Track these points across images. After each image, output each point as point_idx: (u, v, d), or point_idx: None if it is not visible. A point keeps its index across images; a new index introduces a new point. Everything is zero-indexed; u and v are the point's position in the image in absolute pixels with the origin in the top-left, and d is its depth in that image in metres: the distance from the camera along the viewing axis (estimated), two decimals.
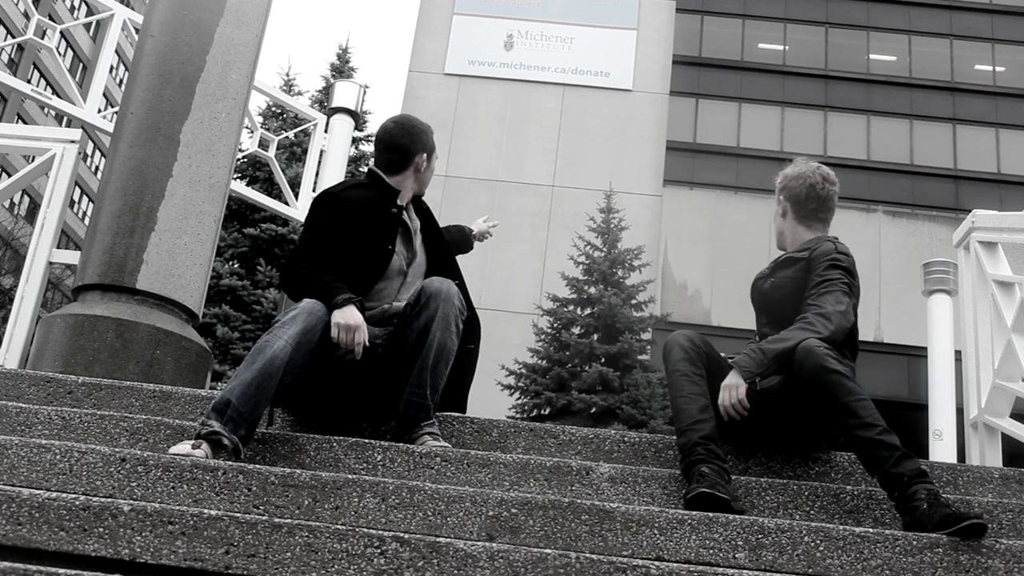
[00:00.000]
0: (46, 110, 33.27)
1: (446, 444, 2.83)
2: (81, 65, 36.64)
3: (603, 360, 17.70)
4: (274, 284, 15.65)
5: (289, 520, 2.00)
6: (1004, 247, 4.20)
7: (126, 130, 4.33)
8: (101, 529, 1.94)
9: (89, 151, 37.74)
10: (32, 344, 4.33)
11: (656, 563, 1.93)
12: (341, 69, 20.36)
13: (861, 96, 24.95)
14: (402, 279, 3.17)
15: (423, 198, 3.40)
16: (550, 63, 25.36)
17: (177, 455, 2.39)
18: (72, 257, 4.76)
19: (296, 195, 7.66)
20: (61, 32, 7.51)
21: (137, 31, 5.66)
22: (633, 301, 18.53)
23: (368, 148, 18.54)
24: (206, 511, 1.98)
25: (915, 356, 18.69)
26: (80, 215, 37.28)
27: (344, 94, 7.52)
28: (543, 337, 18.57)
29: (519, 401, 18.08)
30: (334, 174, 7.08)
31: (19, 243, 27.01)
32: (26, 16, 11.67)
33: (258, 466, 2.37)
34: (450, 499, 2.25)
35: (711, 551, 2.18)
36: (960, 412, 4.65)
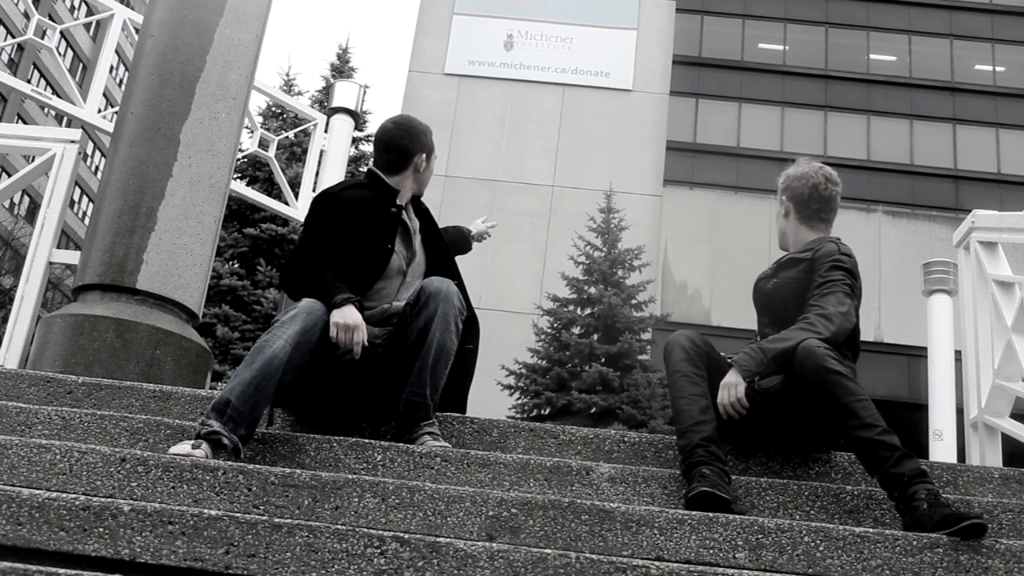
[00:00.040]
0: (46, 110, 33.28)
1: (446, 444, 2.83)
2: (81, 65, 36.64)
3: (603, 360, 17.70)
4: (274, 284, 15.65)
5: (289, 520, 2.00)
6: (1004, 247, 4.20)
7: (126, 130, 4.33)
8: (101, 529, 1.94)
9: (89, 151, 37.74)
10: (32, 344, 4.33)
11: (656, 563, 1.93)
12: (341, 69, 20.36)
13: (861, 96, 24.95)
14: (401, 279, 3.17)
15: (422, 199, 3.41)
16: (550, 63, 25.36)
17: (177, 455, 2.39)
18: (72, 257, 4.76)
19: (296, 195, 7.66)
20: (61, 32, 7.51)
21: (137, 31, 5.66)
22: (633, 301, 18.53)
23: (368, 148, 18.54)
24: (206, 511, 1.98)
25: (915, 356, 18.69)
26: (80, 215, 37.28)
27: (344, 94, 7.52)
28: (543, 337, 18.57)
29: (519, 401, 18.08)
30: (334, 174, 7.08)
31: (19, 243, 27.01)
32: (26, 16, 11.67)
33: (258, 466, 2.37)
34: (450, 499, 2.25)
35: (711, 551, 2.18)
36: (960, 412, 4.65)
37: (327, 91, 17.72)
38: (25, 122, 33.17)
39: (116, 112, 5.17)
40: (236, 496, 2.26)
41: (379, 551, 1.90)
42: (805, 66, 25.35)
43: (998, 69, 25.37)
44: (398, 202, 3.23)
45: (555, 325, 18.61)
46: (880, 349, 20.62)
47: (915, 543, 2.15)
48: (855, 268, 3.01)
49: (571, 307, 18.75)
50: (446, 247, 3.39)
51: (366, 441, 2.73)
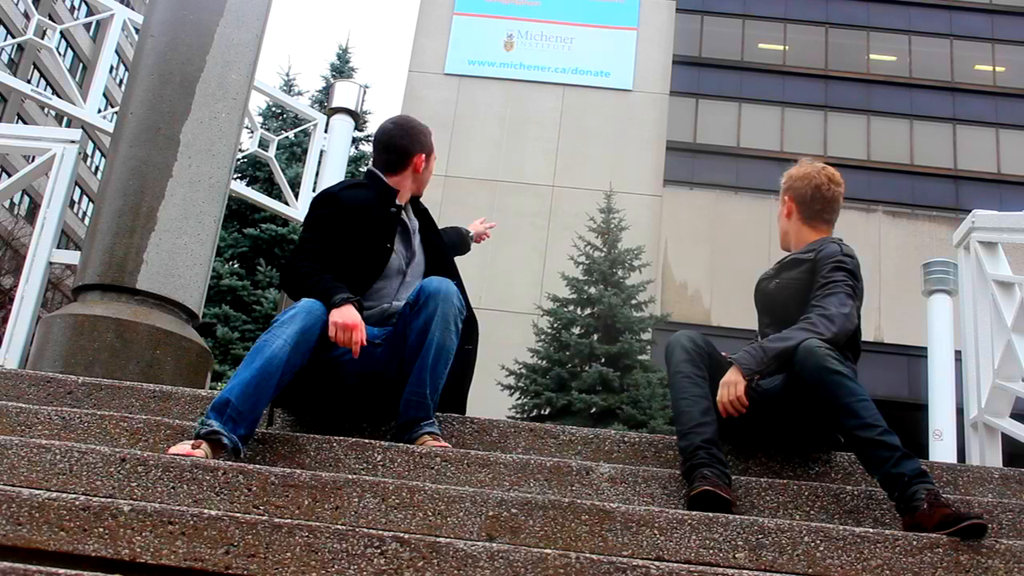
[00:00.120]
0: (46, 110, 33.28)
1: (446, 444, 2.83)
2: (81, 65, 36.64)
3: (603, 360, 17.69)
4: (274, 284, 15.65)
5: (289, 520, 2.00)
6: (1004, 247, 4.20)
7: (126, 130, 4.33)
8: (101, 529, 1.94)
9: (89, 151, 37.73)
10: (32, 344, 4.33)
11: (656, 563, 1.93)
12: (341, 69, 20.36)
13: (861, 96, 24.95)
14: (401, 278, 3.17)
15: (421, 199, 3.42)
16: (550, 63, 25.36)
17: (177, 455, 2.39)
18: (72, 257, 4.76)
19: (296, 195, 7.66)
20: (61, 32, 7.52)
21: (137, 31, 5.66)
22: (633, 301, 18.52)
23: (368, 148, 18.54)
24: (206, 511, 1.98)
25: (915, 356, 18.69)
26: (80, 215, 37.28)
27: (344, 94, 7.51)
28: (543, 337, 18.56)
29: (519, 401, 18.08)
30: (334, 174, 7.08)
31: (19, 243, 27.01)
32: (26, 16, 11.67)
33: (258, 466, 2.37)
34: (450, 499, 2.25)
35: (711, 551, 2.18)
36: (960, 412, 4.65)
37: (327, 91, 17.69)
38: (25, 122, 33.17)
39: (116, 112, 5.17)
40: (236, 496, 2.26)
41: (379, 551, 1.90)
42: (805, 66, 25.35)
43: (998, 69, 25.37)
44: (397, 202, 3.23)
45: (555, 325, 18.60)
46: (880, 349, 20.61)
47: (915, 543, 2.15)
48: (857, 269, 3.01)
49: (571, 307, 18.74)
50: (445, 247, 3.39)
51: (366, 441, 2.73)
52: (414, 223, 3.32)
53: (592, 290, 18.59)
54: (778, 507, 2.62)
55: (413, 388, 2.89)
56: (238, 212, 16.72)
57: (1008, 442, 4.09)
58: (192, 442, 2.54)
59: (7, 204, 28.35)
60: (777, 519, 2.32)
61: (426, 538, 1.93)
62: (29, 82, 20.28)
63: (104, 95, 6.90)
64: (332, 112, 7.47)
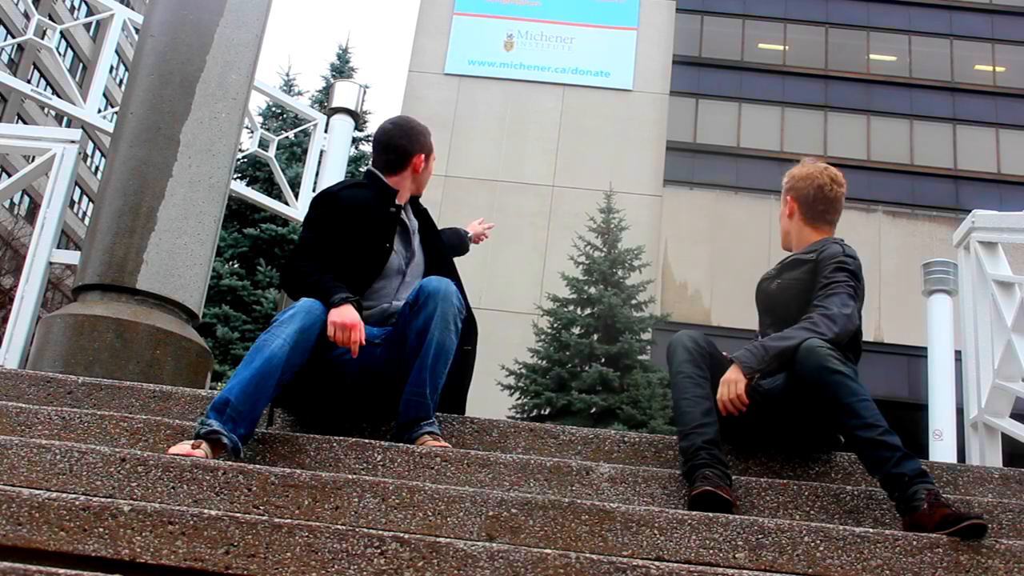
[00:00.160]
0: (46, 110, 33.28)
1: (446, 444, 2.83)
2: (81, 65, 36.64)
3: (603, 360, 17.70)
4: (274, 284, 15.66)
5: (289, 520, 2.00)
6: (1004, 247, 4.20)
7: (126, 130, 4.33)
8: (101, 529, 1.94)
9: (89, 151, 37.74)
10: (32, 344, 4.33)
11: (656, 563, 1.93)
12: (341, 69, 20.36)
13: (861, 96, 24.95)
14: (401, 278, 3.17)
15: (420, 200, 3.42)
16: (550, 63, 25.36)
17: (177, 455, 2.39)
18: (72, 257, 4.76)
19: (296, 195, 7.66)
20: (61, 32, 7.51)
21: (137, 31, 5.66)
22: (633, 301, 18.52)
23: (368, 148, 18.54)
24: (206, 511, 1.98)
25: (915, 356, 18.68)
26: (80, 215, 37.28)
27: (344, 94, 7.51)
28: (543, 337, 18.56)
29: (519, 401, 18.08)
30: (334, 174, 7.08)
31: (19, 243, 27.00)
32: (26, 16, 11.67)
33: (258, 466, 2.37)
34: (450, 499, 2.25)
35: (711, 551, 2.18)
36: (960, 412, 4.65)
37: (327, 91, 17.70)
38: (25, 122, 33.17)
39: (116, 112, 5.17)
40: (236, 496, 2.26)
41: (379, 551, 1.90)
42: (805, 66, 25.35)
43: (998, 69, 25.37)
44: (397, 202, 3.24)
45: (555, 325, 18.60)
46: (880, 349, 20.61)
47: (915, 543, 2.15)
48: (859, 270, 3.01)
49: (571, 307, 18.74)
50: (445, 248, 3.40)
51: (366, 441, 2.73)
52: (413, 223, 3.33)
53: (592, 290, 18.59)
54: (778, 507, 2.62)
55: (413, 388, 2.89)
56: (238, 212, 16.72)
57: (1008, 442, 4.09)
58: (192, 442, 2.54)
59: (7, 204, 28.35)
60: (777, 519, 2.32)
61: (426, 538, 1.93)
62: (29, 82, 20.28)
63: (104, 95, 6.90)
64: (332, 112, 7.48)
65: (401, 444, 2.74)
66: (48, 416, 2.79)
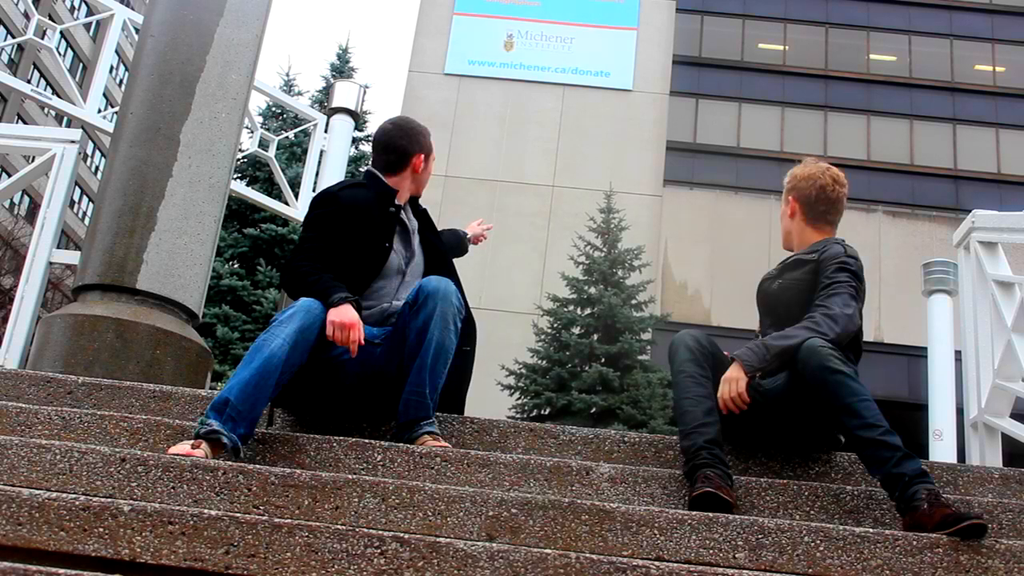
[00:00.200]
0: (46, 110, 33.28)
1: (446, 444, 2.84)
2: (81, 65, 36.64)
3: (603, 360, 17.69)
4: (274, 284, 15.66)
5: (289, 520, 2.00)
6: (1004, 247, 4.20)
7: (126, 130, 4.33)
8: (101, 529, 1.94)
9: (89, 151, 37.73)
10: (32, 344, 4.33)
11: (656, 563, 1.93)
12: (341, 69, 20.36)
13: (861, 96, 24.94)
14: (401, 278, 3.18)
15: (420, 200, 3.42)
16: (550, 63, 25.36)
17: (177, 455, 2.39)
18: (72, 257, 4.76)
19: (296, 195, 7.66)
20: (61, 32, 7.52)
21: (137, 31, 5.66)
22: (633, 301, 18.52)
23: (368, 148, 18.53)
24: (206, 511, 1.98)
25: (915, 356, 18.68)
26: (80, 215, 37.28)
27: (344, 94, 7.51)
28: (543, 337, 18.56)
29: (519, 401, 18.08)
30: (334, 174, 7.08)
31: (19, 243, 27.00)
32: (26, 16, 11.67)
33: (258, 466, 2.37)
34: (450, 499, 2.25)
35: (711, 551, 2.18)
36: (960, 412, 4.65)
37: (327, 91, 17.70)
38: (25, 122, 33.17)
39: (116, 112, 5.17)
40: (236, 496, 2.26)
41: (379, 551, 1.90)
42: (805, 66, 25.34)
43: (998, 69, 25.37)
44: (396, 202, 3.24)
45: (555, 325, 18.60)
46: (880, 349, 20.61)
47: (915, 543, 2.15)
48: (860, 271, 3.00)
49: (571, 307, 18.74)
50: (444, 248, 3.40)
51: (366, 441, 2.73)
52: (413, 223, 3.33)
53: (592, 290, 18.59)
54: (778, 507, 2.62)
55: (413, 387, 2.89)
56: (238, 212, 16.72)
57: (1008, 442, 4.10)
58: (192, 442, 2.54)
59: (7, 204, 28.35)
60: (777, 519, 2.32)
61: (426, 538, 1.93)
62: (29, 82, 20.28)
63: (104, 95, 6.90)
64: (332, 112, 7.48)
65: (401, 444, 2.74)
66: (48, 416, 2.79)
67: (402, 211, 3.26)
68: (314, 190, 7.24)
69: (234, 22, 4.52)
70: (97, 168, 37.84)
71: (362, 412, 3.06)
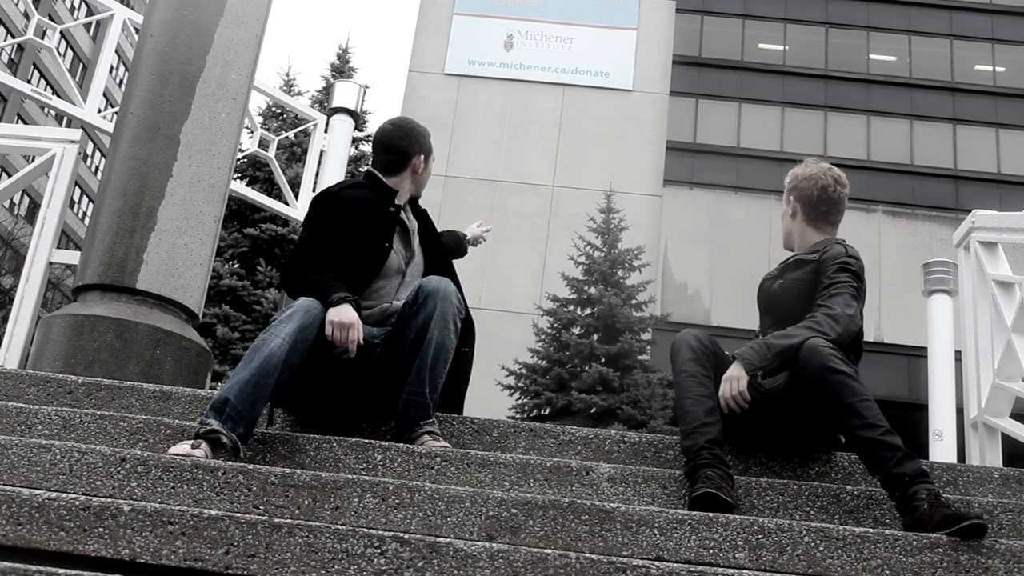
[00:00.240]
0: (46, 110, 33.27)
1: (446, 444, 2.84)
2: (81, 65, 36.63)
3: (603, 360, 17.70)
4: (274, 284, 15.66)
5: (289, 520, 2.00)
6: (1004, 247, 4.19)
7: (126, 130, 4.33)
8: (101, 529, 1.94)
9: (89, 151, 37.73)
10: (32, 344, 4.33)
11: (656, 563, 1.93)
12: (341, 69, 20.36)
13: (861, 96, 24.95)
14: (401, 278, 3.18)
15: (420, 201, 3.43)
16: (550, 63, 25.36)
17: (177, 455, 2.39)
18: (72, 257, 4.76)
19: (296, 195, 7.66)
20: (61, 32, 7.52)
21: (137, 31, 5.66)
22: (633, 301, 18.53)
23: (368, 148, 18.54)
24: (206, 511, 1.98)
25: (915, 356, 18.68)
26: (80, 215, 37.28)
27: (344, 94, 7.52)
28: (543, 337, 18.57)
29: (519, 401, 18.08)
30: (334, 174, 7.09)
31: (19, 243, 27.01)
32: (26, 16, 11.67)
33: (258, 466, 2.37)
34: (450, 499, 2.25)
35: (711, 551, 2.18)
36: (960, 412, 4.65)
37: (327, 91, 17.71)
38: (25, 122, 33.17)
39: (116, 112, 5.17)
40: (236, 496, 2.26)
41: (379, 551, 1.90)
42: (805, 66, 25.35)
43: (998, 69, 25.37)
44: (396, 202, 3.24)
45: (555, 325, 18.61)
46: (880, 349, 20.61)
47: (915, 543, 2.15)
48: (861, 271, 3.00)
49: (571, 307, 18.75)
50: (444, 249, 3.40)
51: (366, 441, 2.73)
52: (413, 223, 3.33)
53: (592, 290, 18.59)
54: (778, 507, 2.62)
55: (412, 387, 2.90)
56: (238, 212, 16.71)
57: (1008, 442, 4.09)
58: (192, 442, 2.54)
59: (7, 204, 28.35)
60: (777, 519, 2.32)
61: (426, 538, 1.93)
62: (29, 82, 20.29)
63: (104, 95, 6.90)
64: (332, 112, 7.48)
65: (401, 444, 2.74)
66: (48, 416, 2.79)
67: (402, 211, 3.27)
68: (314, 190, 7.24)
69: (234, 22, 4.52)
70: (97, 168, 37.84)
71: (362, 412, 3.06)
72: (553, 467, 2.65)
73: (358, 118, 7.75)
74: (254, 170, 17.14)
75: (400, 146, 3.28)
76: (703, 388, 2.78)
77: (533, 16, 25.74)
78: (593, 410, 16.95)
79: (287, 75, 19.77)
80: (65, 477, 2.31)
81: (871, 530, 2.19)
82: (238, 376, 2.67)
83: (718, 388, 2.79)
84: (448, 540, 1.93)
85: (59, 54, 7.92)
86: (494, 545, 1.94)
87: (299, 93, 19.69)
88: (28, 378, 3.20)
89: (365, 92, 7.89)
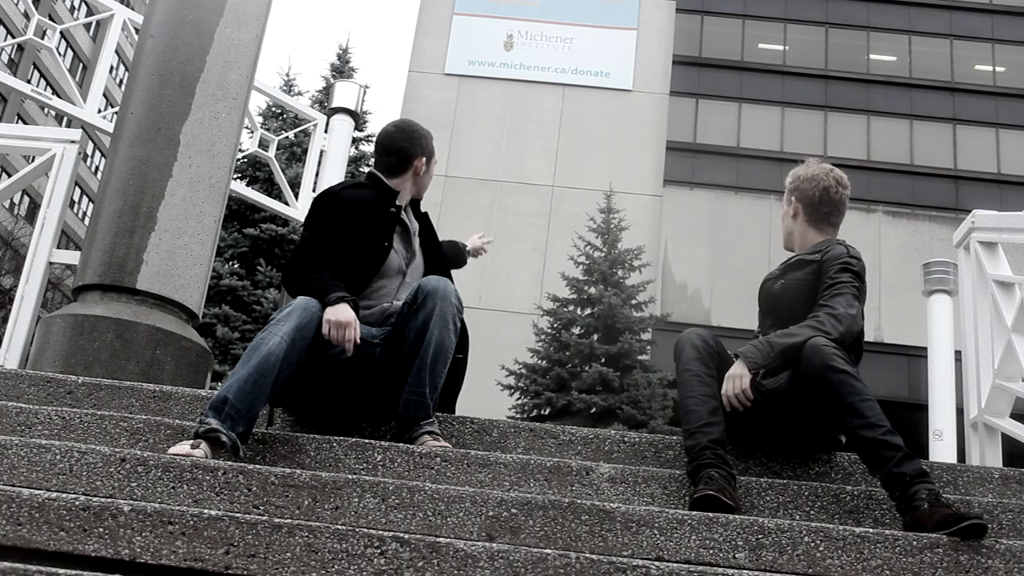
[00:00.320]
0: (46, 110, 33.28)
1: (446, 444, 2.84)
2: (81, 65, 36.64)
3: (603, 360, 17.70)
4: (274, 284, 15.66)
5: (289, 520, 2.00)
6: (1004, 247, 4.19)
7: (126, 130, 4.33)
8: (101, 529, 1.94)
9: (89, 151, 37.74)
10: (32, 344, 4.33)
11: (656, 563, 1.93)
12: (341, 69, 20.36)
13: (861, 96, 24.95)
14: (401, 279, 3.18)
15: (421, 202, 3.43)
16: (550, 63, 25.36)
17: (177, 455, 2.39)
18: (72, 257, 4.76)
19: (296, 195, 7.66)
20: (61, 32, 7.52)
21: (137, 31, 5.66)
22: (633, 301, 18.53)
23: (368, 148, 18.55)
24: (206, 511, 1.98)
25: (915, 356, 18.69)
26: (80, 215, 37.28)
27: (344, 94, 7.52)
28: (543, 337, 18.58)
29: (519, 401, 18.09)
30: (334, 174, 7.09)
31: (19, 243, 27.01)
32: (26, 16, 11.68)
33: (258, 466, 2.37)
34: (450, 499, 2.25)
35: (711, 551, 2.18)
36: (960, 412, 4.65)
37: (327, 91, 17.69)
38: (25, 122, 33.17)
39: (116, 112, 5.17)
40: (236, 496, 2.26)
41: (379, 551, 1.90)
42: (805, 66, 25.35)
43: (998, 69, 25.37)
44: (397, 203, 3.25)
45: (555, 325, 18.61)
46: (880, 349, 20.61)
47: (915, 543, 2.15)
48: (863, 272, 3.00)
49: (571, 307, 18.75)
50: (443, 255, 3.41)
51: (366, 441, 2.73)
52: (414, 225, 3.34)
53: (592, 290, 18.60)
54: (778, 507, 2.62)
55: (412, 387, 2.90)
56: (238, 212, 16.71)
57: (1008, 442, 4.09)
58: (191, 441, 2.54)
59: (7, 204, 28.35)
60: (777, 519, 2.32)
61: (426, 538, 1.93)
62: (29, 82, 20.29)
63: (104, 95, 6.90)
64: (332, 112, 7.49)
65: (401, 444, 2.74)
66: (48, 416, 2.79)
67: (403, 212, 3.27)
68: (314, 190, 7.25)
69: (234, 22, 4.52)
70: (97, 168, 37.84)
71: (362, 412, 3.07)
72: (553, 467, 2.65)
73: (358, 118, 7.75)
74: (254, 170, 17.14)
75: (402, 148, 3.29)
76: (707, 388, 2.77)
77: (533, 16, 25.75)
78: (593, 410, 16.96)
79: (287, 75, 19.78)
80: (65, 477, 2.31)
81: (871, 530, 2.19)
82: (237, 375, 2.67)
83: (722, 388, 2.79)
84: (448, 540, 1.93)
85: (59, 54, 7.92)
86: (494, 545, 1.94)
87: (299, 93, 19.70)
88: (28, 378, 3.20)
89: (365, 92, 7.89)
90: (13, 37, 29.89)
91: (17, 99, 32.45)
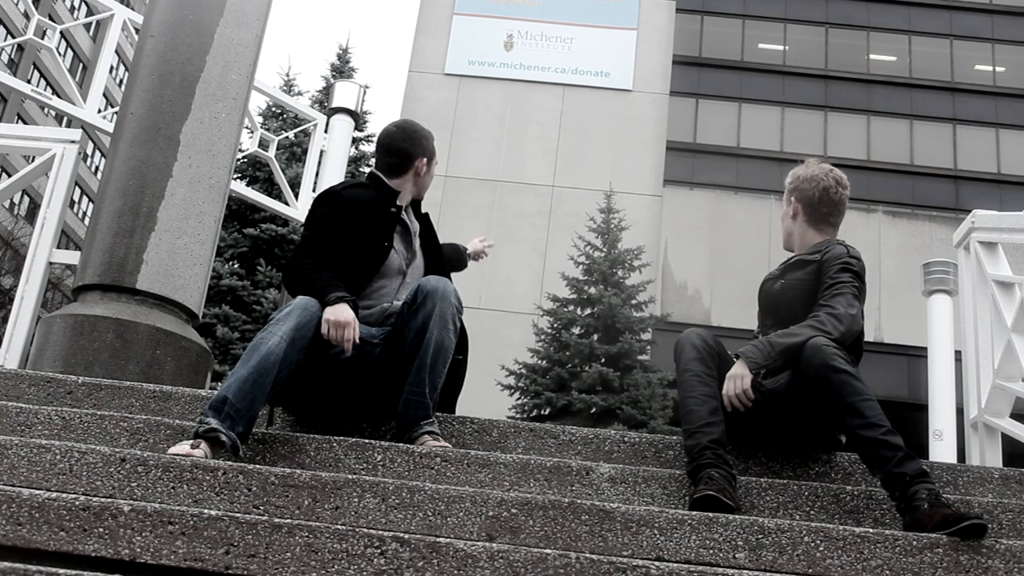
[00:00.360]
0: (46, 110, 33.28)
1: (446, 444, 2.84)
2: (81, 65, 36.63)
3: (603, 360, 17.71)
4: (274, 284, 15.67)
5: (289, 520, 2.00)
6: (1004, 247, 4.19)
7: (126, 130, 4.33)
8: (101, 529, 1.94)
9: (89, 151, 37.74)
10: (32, 344, 4.33)
11: (656, 563, 1.93)
12: (341, 69, 20.36)
13: (861, 96, 24.95)
14: (401, 279, 3.18)
15: (422, 204, 3.43)
16: (550, 63, 25.36)
17: (177, 455, 2.39)
18: (72, 257, 4.76)
19: (296, 195, 7.66)
20: (61, 32, 7.52)
21: (137, 31, 5.66)
22: (633, 301, 18.53)
23: (368, 148, 18.54)
24: (206, 511, 1.98)
25: (915, 356, 18.69)
26: (80, 215, 37.28)
27: (344, 94, 7.52)
28: (543, 337, 18.57)
29: (519, 401, 18.09)
30: (334, 174, 7.09)
31: (19, 243, 27.00)
32: (26, 16, 11.68)
33: (258, 466, 2.37)
34: (450, 499, 2.25)
35: (711, 551, 2.18)
36: (960, 412, 4.65)
37: (327, 91, 17.69)
38: (25, 122, 33.17)
39: (116, 112, 5.17)
40: (236, 496, 2.26)
41: (379, 551, 1.90)
42: (805, 66, 25.35)
43: (998, 69, 25.37)
44: (398, 203, 3.25)
45: (555, 325, 18.61)
46: (880, 349, 20.61)
47: (915, 543, 2.15)
48: (863, 272, 3.01)
49: (571, 307, 18.76)
50: (443, 257, 3.41)
51: (366, 441, 2.73)
52: (415, 226, 3.34)
53: (592, 290, 18.60)
54: (778, 507, 2.62)
55: (412, 387, 2.90)
56: (238, 212, 16.71)
57: (1008, 442, 4.09)
58: (191, 441, 2.54)
59: (7, 204, 28.36)
60: (777, 519, 2.32)
61: (426, 538, 1.93)
62: (29, 82, 20.29)
63: (104, 95, 6.90)
64: (332, 112, 7.49)
65: (401, 444, 2.74)
66: (48, 416, 2.79)
67: (404, 212, 3.27)
68: (314, 190, 7.25)
69: (234, 22, 4.52)
70: (97, 168, 37.84)
71: (362, 412, 3.07)
72: (553, 467, 2.65)
73: (358, 118, 7.76)
74: (254, 170, 17.14)
75: (403, 148, 3.29)
76: (707, 388, 2.77)
77: (533, 16, 25.75)
78: (593, 410, 16.96)
79: (287, 75, 19.78)
80: (65, 477, 2.31)
81: (871, 530, 2.19)
82: (236, 374, 2.67)
83: (722, 388, 2.79)
84: (448, 540, 1.93)
85: (59, 54, 7.93)
86: (494, 545, 1.94)
87: (299, 93, 19.70)
88: (28, 378, 3.20)
89: (365, 92, 7.89)
90: (13, 37, 29.90)
91: (17, 99, 32.45)
